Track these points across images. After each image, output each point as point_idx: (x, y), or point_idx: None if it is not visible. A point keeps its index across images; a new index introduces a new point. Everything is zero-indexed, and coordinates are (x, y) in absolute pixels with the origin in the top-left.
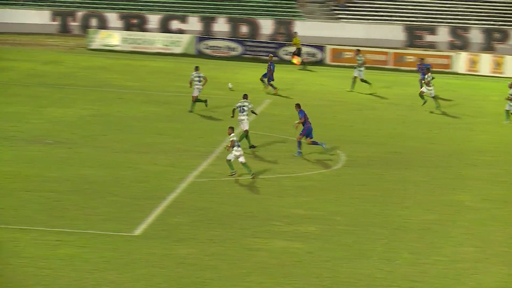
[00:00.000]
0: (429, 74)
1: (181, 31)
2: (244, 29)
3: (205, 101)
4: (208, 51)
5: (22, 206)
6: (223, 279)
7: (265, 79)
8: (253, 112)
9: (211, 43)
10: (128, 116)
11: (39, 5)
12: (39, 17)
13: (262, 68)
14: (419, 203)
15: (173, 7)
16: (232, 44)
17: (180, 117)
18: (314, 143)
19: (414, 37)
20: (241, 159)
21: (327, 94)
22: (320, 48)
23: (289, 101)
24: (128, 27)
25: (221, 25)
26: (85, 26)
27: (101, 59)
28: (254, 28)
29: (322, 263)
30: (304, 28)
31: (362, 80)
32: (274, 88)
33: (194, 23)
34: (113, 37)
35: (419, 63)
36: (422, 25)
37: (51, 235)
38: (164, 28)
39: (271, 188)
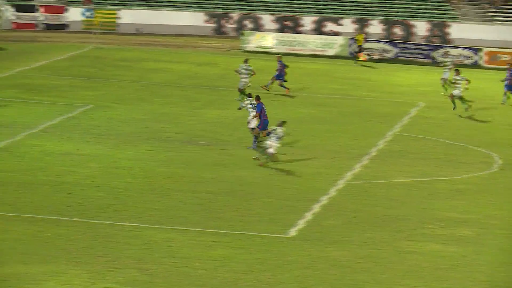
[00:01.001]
0: None
1: (335, 33)
2: (398, 31)
3: (249, 94)
4: (362, 53)
5: (177, 207)
6: (376, 282)
7: (283, 82)
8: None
9: (365, 45)
10: (283, 118)
11: (194, 7)
12: (194, 19)
13: (418, 71)
14: None
15: (328, 9)
16: (387, 46)
17: (334, 119)
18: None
19: None
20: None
21: (483, 96)
22: (475, 50)
23: (445, 105)
24: (282, 29)
25: (375, 27)
26: (239, 28)
27: (255, 61)
28: (408, 30)
29: (477, 267)
30: (459, 30)
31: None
32: (286, 88)
33: (348, 25)
34: (268, 39)
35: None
36: None
37: (206, 235)
38: (318, 30)
39: (425, 191)
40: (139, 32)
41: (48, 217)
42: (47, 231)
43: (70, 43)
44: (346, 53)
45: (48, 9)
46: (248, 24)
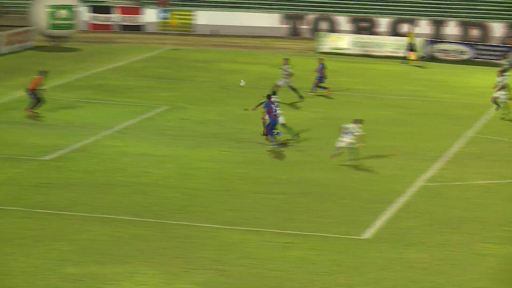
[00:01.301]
0: None
1: None
2: (474, 32)
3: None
4: (438, 55)
5: (252, 208)
6: (452, 285)
7: (321, 83)
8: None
9: (441, 46)
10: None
11: (270, 9)
12: (269, 20)
13: (494, 72)
14: None
15: (403, 10)
16: (463, 48)
17: (410, 121)
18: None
19: None
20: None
21: None
22: None
23: None
24: (357, 30)
25: (451, 28)
26: (314, 29)
27: (331, 62)
28: (485, 32)
29: None
30: None
31: None
32: (324, 88)
33: (423, 27)
34: (343, 40)
35: None
36: None
37: (281, 237)
38: (394, 31)
39: (501, 193)
40: (215, 33)
41: (124, 217)
42: (123, 232)
43: (146, 44)
44: (422, 54)
45: (124, 10)
46: (323, 25)
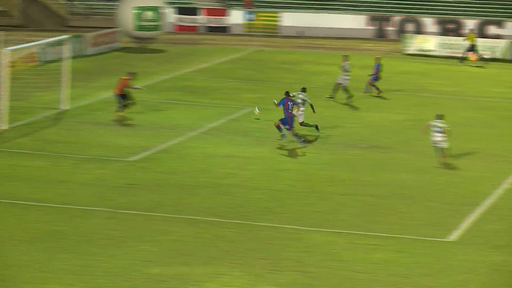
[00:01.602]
0: None
1: (498, 36)
2: None
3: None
4: None
5: (338, 210)
6: None
7: (375, 83)
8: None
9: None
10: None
11: (356, 10)
12: (355, 22)
13: None
14: None
15: (490, 12)
16: None
17: (497, 123)
18: (278, 128)
19: None
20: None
21: None
22: None
23: None
24: (444, 32)
25: None
26: (401, 31)
27: (417, 64)
28: None
29: None
30: None
31: None
32: (377, 89)
33: (511, 28)
34: (429, 42)
35: None
36: None
37: (366, 239)
38: (481, 33)
39: None
40: (300, 34)
41: (209, 218)
42: (208, 233)
43: (231, 45)
44: (509, 57)
45: (210, 12)
46: (410, 27)
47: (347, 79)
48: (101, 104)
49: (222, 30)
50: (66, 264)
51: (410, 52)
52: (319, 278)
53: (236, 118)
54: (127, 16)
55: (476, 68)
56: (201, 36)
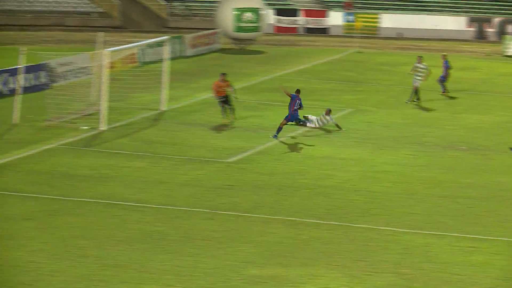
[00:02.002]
0: None
1: None
2: None
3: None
4: None
5: (436, 212)
6: None
7: (444, 82)
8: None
9: None
10: None
11: (456, 11)
12: (455, 23)
13: None
14: None
15: None
16: None
17: None
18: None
19: None
20: None
21: None
22: None
23: None
24: None
25: None
26: (501, 32)
27: None
28: None
29: None
30: None
31: None
32: (444, 89)
33: None
34: None
35: None
36: None
37: (464, 241)
38: None
39: None
40: (400, 36)
41: (307, 220)
42: (306, 234)
43: (331, 47)
44: None
45: (309, 13)
46: (510, 28)
47: (418, 80)
48: (200, 105)
49: (322, 31)
50: (165, 265)
51: (511, 53)
52: (416, 280)
53: (335, 119)
54: (227, 17)
55: None
56: (300, 37)
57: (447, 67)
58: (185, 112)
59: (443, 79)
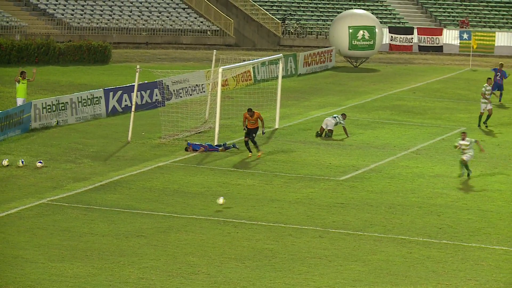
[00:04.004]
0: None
1: None
2: None
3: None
4: None
5: None
6: None
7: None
8: None
9: None
10: None
11: None
12: None
13: None
14: None
15: None
16: None
17: None
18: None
19: None
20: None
21: None
22: None
23: None
24: None
25: None
26: None
27: None
28: None
29: None
30: None
31: None
32: (497, 96)
33: None
34: None
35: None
36: None
37: None
38: None
39: None
40: None
41: (418, 239)
42: (417, 253)
43: (445, 65)
44: None
45: (424, 31)
46: None
47: (484, 107)
48: (312, 123)
49: (436, 49)
50: (275, 283)
51: None
52: None
53: (447, 138)
54: (341, 35)
55: None
56: (414, 55)
57: (502, 76)
58: (297, 130)
59: (497, 88)
